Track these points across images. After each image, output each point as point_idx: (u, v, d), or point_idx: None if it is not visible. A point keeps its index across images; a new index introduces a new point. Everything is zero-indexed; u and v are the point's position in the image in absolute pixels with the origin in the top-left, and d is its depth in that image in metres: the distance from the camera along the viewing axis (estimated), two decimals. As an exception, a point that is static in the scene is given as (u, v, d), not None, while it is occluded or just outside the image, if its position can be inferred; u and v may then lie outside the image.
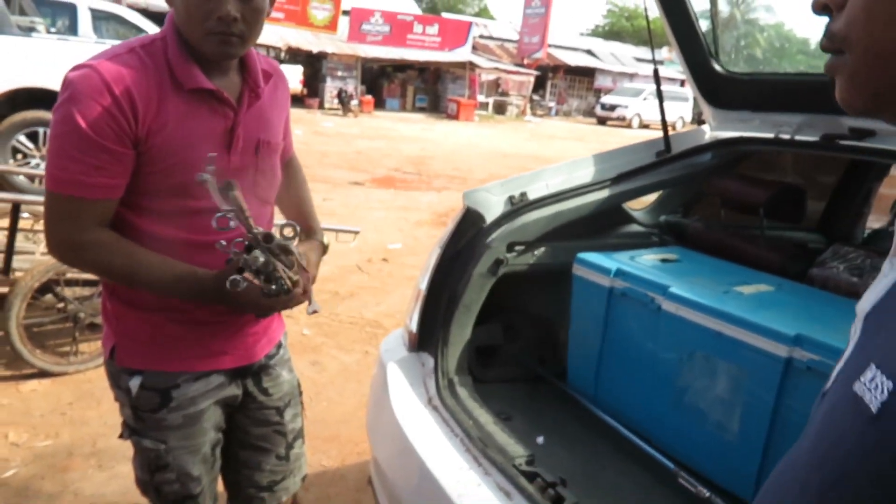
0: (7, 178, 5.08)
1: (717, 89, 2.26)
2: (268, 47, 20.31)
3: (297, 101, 19.32)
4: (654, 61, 2.16)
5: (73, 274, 2.91)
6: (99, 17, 10.47)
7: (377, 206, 7.39)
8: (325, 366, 3.42)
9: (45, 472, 2.34)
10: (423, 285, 1.91)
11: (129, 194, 1.22)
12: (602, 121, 24.81)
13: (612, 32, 44.35)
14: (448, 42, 23.94)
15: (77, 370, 3.00)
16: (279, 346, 1.53)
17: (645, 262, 1.86)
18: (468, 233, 1.92)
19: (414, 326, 1.91)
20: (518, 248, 1.93)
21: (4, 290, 2.88)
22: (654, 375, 1.70)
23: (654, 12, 2.17)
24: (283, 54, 20.37)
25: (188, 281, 1.23)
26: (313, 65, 21.40)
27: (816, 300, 1.68)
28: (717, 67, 2.23)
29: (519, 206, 1.94)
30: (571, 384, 1.98)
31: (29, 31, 6.48)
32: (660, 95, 2.15)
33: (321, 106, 20.67)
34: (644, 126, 22.70)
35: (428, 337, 1.88)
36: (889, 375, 0.38)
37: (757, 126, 2.15)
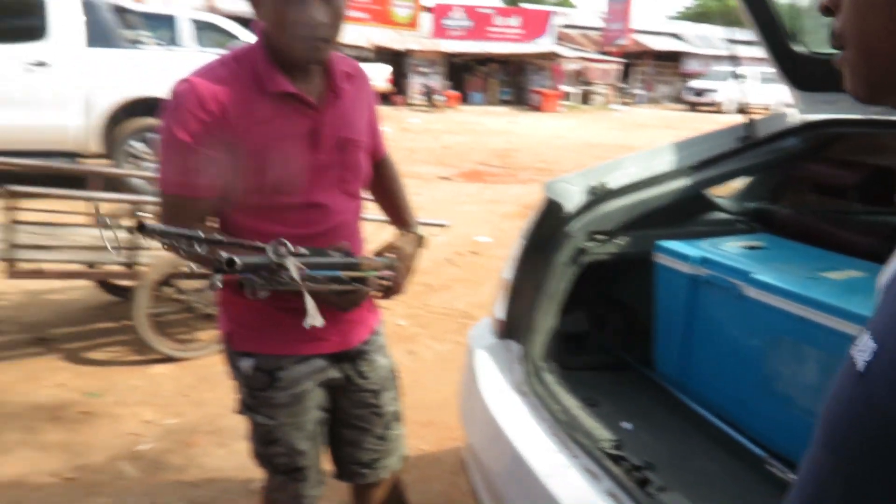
0: (126, 181, 5.54)
1: (801, 70, 2.21)
2: (355, 47, 20.87)
3: (384, 98, 19.76)
4: (734, 41, 2.15)
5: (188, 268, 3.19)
6: (198, 26, 11.11)
7: (466, 200, 7.52)
8: (420, 355, 3.58)
9: (172, 447, 2.61)
10: (508, 275, 2.00)
11: (228, 192, 1.36)
12: (692, 106, 23.96)
13: (701, 14, 42.62)
14: (530, 33, 23.78)
15: (196, 356, 3.29)
16: (375, 332, 1.63)
17: (728, 249, 1.88)
18: (550, 223, 2.00)
19: (500, 314, 2.01)
20: (599, 237, 1.99)
21: (130, 283, 3.20)
22: (741, 362, 1.72)
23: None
24: (369, 53, 20.87)
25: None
26: (398, 62, 21.79)
27: (909, 285, 1.65)
28: (800, 48, 2.19)
29: (599, 195, 1.99)
30: (658, 371, 2.02)
31: (137, 43, 7.00)
32: (741, 77, 2.13)
33: (407, 103, 21.05)
34: (740, 111, 21.68)
35: (514, 325, 1.97)
36: (874, 338, 0.44)
37: (845, 107, 2.10)
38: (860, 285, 1.62)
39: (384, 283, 1.46)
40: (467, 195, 7.83)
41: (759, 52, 2.21)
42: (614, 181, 2.04)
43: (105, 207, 3.59)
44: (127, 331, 3.41)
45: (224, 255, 1.02)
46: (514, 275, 2.00)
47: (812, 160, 2.18)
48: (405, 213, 1.68)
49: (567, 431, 1.61)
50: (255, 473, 1.66)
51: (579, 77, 24.62)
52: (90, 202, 3.48)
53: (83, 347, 3.40)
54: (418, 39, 21.79)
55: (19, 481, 2.35)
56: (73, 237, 3.39)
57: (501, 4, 25.85)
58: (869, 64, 0.50)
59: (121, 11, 7.45)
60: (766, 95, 16.83)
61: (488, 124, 16.45)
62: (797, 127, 2.18)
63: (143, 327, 3.13)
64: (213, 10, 18.06)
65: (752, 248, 1.91)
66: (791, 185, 2.43)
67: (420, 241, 1.64)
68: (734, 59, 2.30)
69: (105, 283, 3.77)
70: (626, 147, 12.33)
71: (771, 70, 2.29)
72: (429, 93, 19.91)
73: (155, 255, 3.16)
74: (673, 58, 28.62)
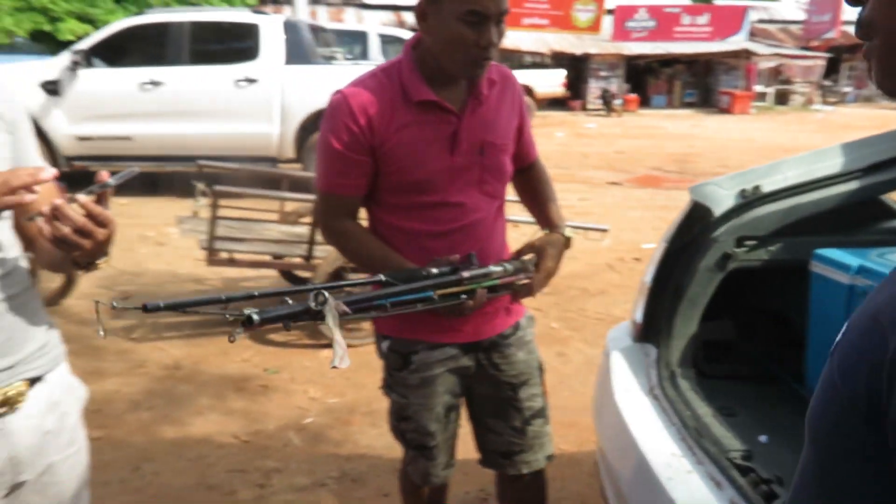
0: (314, 183, 6.11)
1: None
2: (533, 53, 21.02)
3: (560, 103, 19.68)
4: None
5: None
6: (386, 41, 11.86)
7: (634, 206, 7.32)
8: (570, 357, 3.59)
9: (333, 424, 2.87)
10: (648, 278, 1.97)
11: (375, 191, 1.52)
12: (915, 104, 21.12)
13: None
14: (720, 31, 22.39)
15: (360, 343, 3.57)
16: (516, 327, 1.67)
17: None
18: (695, 227, 1.94)
19: (639, 317, 1.98)
20: (749, 242, 1.90)
21: (308, 274, 3.55)
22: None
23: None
24: (548, 59, 20.92)
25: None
26: (576, 67, 21.60)
27: None
28: None
29: (751, 199, 1.90)
30: (808, 386, 1.88)
31: (330, 59, 7.66)
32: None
33: (584, 108, 20.79)
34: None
35: (652, 328, 1.95)
36: (846, 325, 0.44)
37: None
38: None
39: (515, 285, 1.49)
40: (637, 200, 7.61)
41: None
42: (770, 184, 1.93)
43: (290, 206, 4.02)
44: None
45: (246, 311, 1.09)
46: (653, 278, 1.97)
47: None
48: (552, 214, 1.70)
49: (695, 438, 1.57)
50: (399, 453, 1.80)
51: (777, 76, 22.73)
52: (278, 201, 3.92)
53: (267, 329, 3.82)
54: (598, 43, 21.43)
55: (206, 439, 2.73)
56: (262, 231, 3.84)
57: (689, 2, 24.61)
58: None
59: (317, 30, 8.21)
60: None
61: (669, 128, 15.77)
62: None
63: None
64: (401, 24, 19.19)
65: (927, 259, 1.72)
66: None
67: (565, 243, 1.66)
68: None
69: (287, 273, 4.20)
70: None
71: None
72: (606, 97, 19.49)
73: (328, 250, 3.48)
74: (891, 51, 25.40)
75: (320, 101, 6.60)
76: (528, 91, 15.25)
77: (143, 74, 6.72)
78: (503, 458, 1.72)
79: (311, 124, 6.75)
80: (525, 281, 1.52)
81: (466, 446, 1.98)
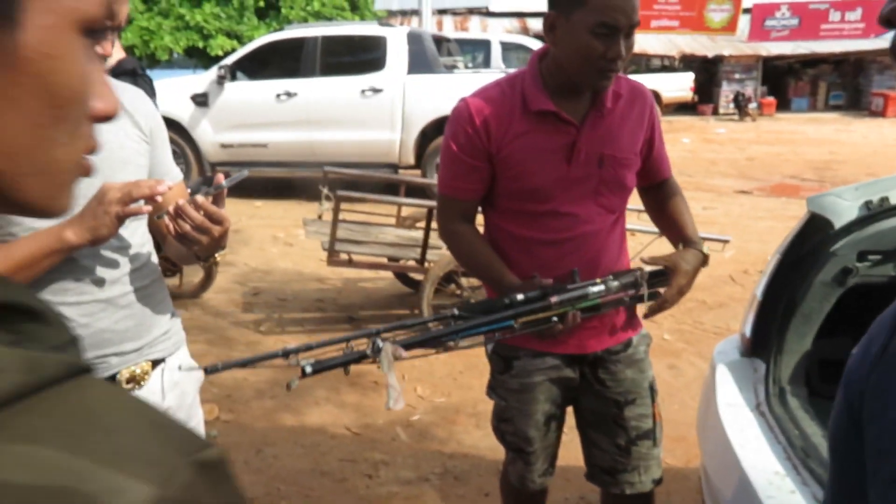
0: (431, 189, 6.28)
1: None
2: (661, 56, 20.33)
3: (689, 108, 18.90)
4: None
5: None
6: (507, 48, 11.95)
7: (764, 216, 6.93)
8: (682, 370, 3.48)
9: (438, 422, 2.97)
10: (760, 291, 1.90)
11: (492, 197, 1.57)
12: None
13: None
14: (875, 27, 20.58)
15: (467, 346, 3.65)
16: (627, 344, 1.64)
17: None
18: (812, 239, 1.85)
19: (748, 331, 1.92)
20: (873, 257, 1.79)
21: (420, 276, 3.68)
22: None
23: None
24: (676, 62, 20.16)
25: (497, 280, 1.53)
26: (708, 69, 20.65)
27: None
28: None
29: (876, 211, 1.79)
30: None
31: (452, 68, 7.85)
32: None
33: (715, 112, 19.83)
34: None
35: (762, 343, 1.88)
36: None
37: None
38: None
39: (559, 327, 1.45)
40: (767, 210, 7.18)
41: None
42: (900, 196, 1.81)
43: (406, 211, 4.18)
44: (415, 318, 3.93)
45: (302, 362, 1.17)
46: (765, 291, 1.90)
47: None
48: (688, 229, 1.66)
49: (801, 458, 1.52)
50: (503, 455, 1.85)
51: (941, 75, 20.57)
52: (395, 206, 4.09)
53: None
54: (733, 44, 20.36)
55: (321, 429, 2.92)
56: (379, 235, 4.02)
57: (838, -2, 22.84)
58: None
59: (441, 41, 8.44)
60: None
61: (809, 133, 14.72)
62: None
63: (427, 315, 3.59)
64: (525, 31, 19.22)
65: None
66: None
67: (703, 260, 1.62)
68: None
69: (401, 275, 4.37)
70: None
71: None
72: (740, 100, 18.47)
73: (440, 254, 3.60)
74: None
75: (440, 108, 6.85)
76: (655, 96, 14.75)
77: (279, 86, 7.20)
78: (607, 476, 1.70)
79: (432, 131, 6.95)
80: (647, 298, 1.51)
81: (568, 452, 2.00)
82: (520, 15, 20.63)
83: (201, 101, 7.32)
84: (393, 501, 2.45)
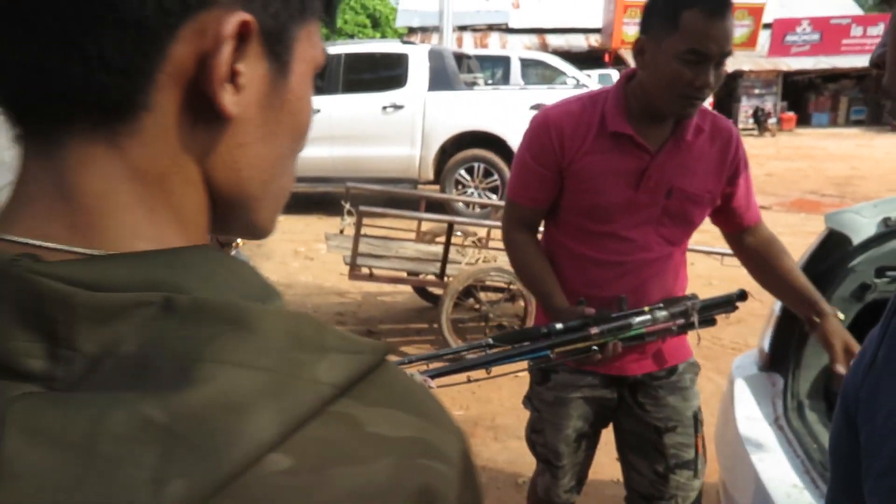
0: (450, 204, 6.34)
1: None
2: (680, 73, 20.31)
3: (709, 123, 18.83)
4: None
5: (489, 282, 3.61)
6: (526, 64, 12.02)
7: (783, 231, 6.89)
8: (700, 386, 3.40)
9: (457, 435, 2.99)
10: (778, 306, 1.92)
11: (556, 210, 1.57)
12: None
13: None
14: (897, 42, 20.41)
15: (501, 375, 3.69)
16: (671, 371, 1.63)
17: None
18: (831, 256, 1.87)
19: (766, 346, 1.94)
20: (891, 273, 1.80)
21: (439, 291, 3.73)
22: None
23: None
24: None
25: (545, 296, 1.55)
26: (728, 85, 20.60)
27: None
28: None
29: (894, 228, 1.81)
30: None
31: (472, 85, 7.93)
32: None
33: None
34: None
35: (780, 357, 1.90)
36: None
37: None
38: None
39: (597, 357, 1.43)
40: (786, 226, 7.15)
41: None
42: (919, 213, 1.83)
43: (426, 226, 4.24)
44: (434, 332, 3.97)
45: None
46: (783, 307, 1.91)
47: None
48: (807, 292, 1.56)
49: (819, 471, 1.53)
50: (524, 469, 1.87)
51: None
52: (415, 221, 4.15)
53: (400, 342, 4.04)
54: (752, 59, 20.31)
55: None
56: (400, 249, 4.08)
57: (860, 12, 22.73)
58: None
59: (461, 57, 8.54)
60: None
61: (830, 148, 14.62)
62: None
63: (446, 330, 3.63)
64: (544, 47, 19.34)
65: None
66: None
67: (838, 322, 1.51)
68: None
69: (421, 290, 4.42)
70: None
71: None
72: (759, 115, 18.40)
73: (458, 269, 3.64)
74: None
75: (460, 125, 6.94)
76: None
77: (303, 103, 7.32)
78: (642, 500, 1.69)
79: (451, 147, 7.02)
80: (698, 326, 1.51)
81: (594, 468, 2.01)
82: (539, 31, 20.78)
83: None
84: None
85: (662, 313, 1.47)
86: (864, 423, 0.47)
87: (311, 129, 0.41)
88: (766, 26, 20.76)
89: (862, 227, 1.85)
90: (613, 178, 1.46)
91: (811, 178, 10.48)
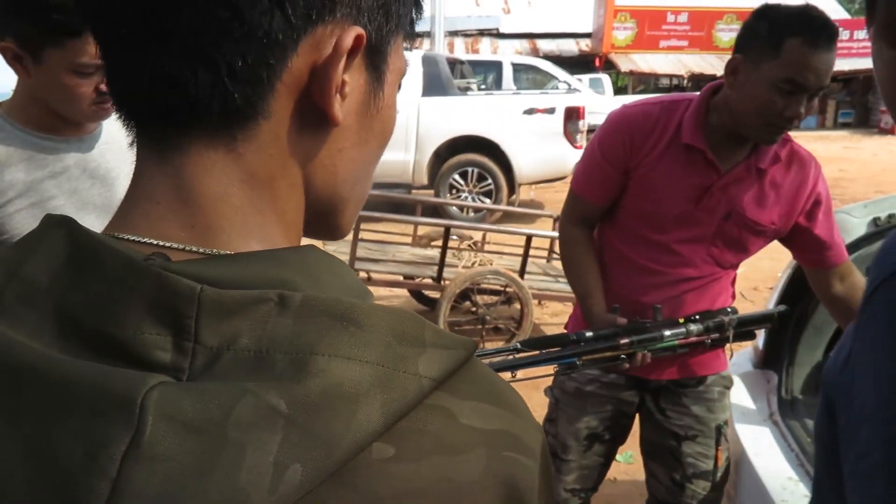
0: (445, 208, 6.38)
1: None
2: (670, 76, 20.48)
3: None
4: None
5: (486, 285, 3.65)
6: (518, 69, 12.07)
7: (774, 233, 6.97)
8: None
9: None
10: (772, 304, 1.97)
11: (614, 209, 1.55)
12: None
13: None
14: (883, 45, 20.63)
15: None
16: (700, 381, 1.60)
17: None
18: (822, 255, 1.92)
19: (761, 344, 1.98)
20: (880, 271, 1.85)
21: (436, 294, 3.76)
22: None
23: None
24: (685, 82, 20.29)
25: (584, 296, 1.54)
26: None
27: None
28: None
29: (884, 228, 1.86)
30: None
31: (465, 90, 7.98)
32: None
33: (725, 130, 19.88)
34: None
35: (774, 355, 1.94)
36: None
37: None
38: None
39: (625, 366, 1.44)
40: (779, 228, 7.23)
41: None
42: (910, 213, 1.88)
43: (422, 230, 4.27)
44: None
45: None
46: (777, 305, 1.96)
47: None
48: None
49: (813, 464, 1.56)
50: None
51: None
52: (411, 225, 4.19)
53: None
54: (741, 63, 20.45)
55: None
56: (396, 253, 4.11)
57: (846, 16, 22.98)
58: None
59: (454, 63, 8.59)
60: None
61: (818, 150, 14.51)
62: None
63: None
64: (535, 52, 19.44)
65: None
66: None
67: None
68: None
69: (418, 294, 4.45)
70: None
71: None
72: (750, 119, 18.52)
73: (455, 272, 3.68)
74: None
75: (454, 130, 6.97)
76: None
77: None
78: None
79: (445, 152, 7.06)
80: (732, 340, 1.51)
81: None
82: (530, 36, 20.88)
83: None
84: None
85: (697, 327, 1.45)
86: (842, 410, 0.52)
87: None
88: (755, 30, 20.91)
89: (852, 227, 1.89)
90: (675, 189, 1.44)
91: (800, 181, 10.55)
